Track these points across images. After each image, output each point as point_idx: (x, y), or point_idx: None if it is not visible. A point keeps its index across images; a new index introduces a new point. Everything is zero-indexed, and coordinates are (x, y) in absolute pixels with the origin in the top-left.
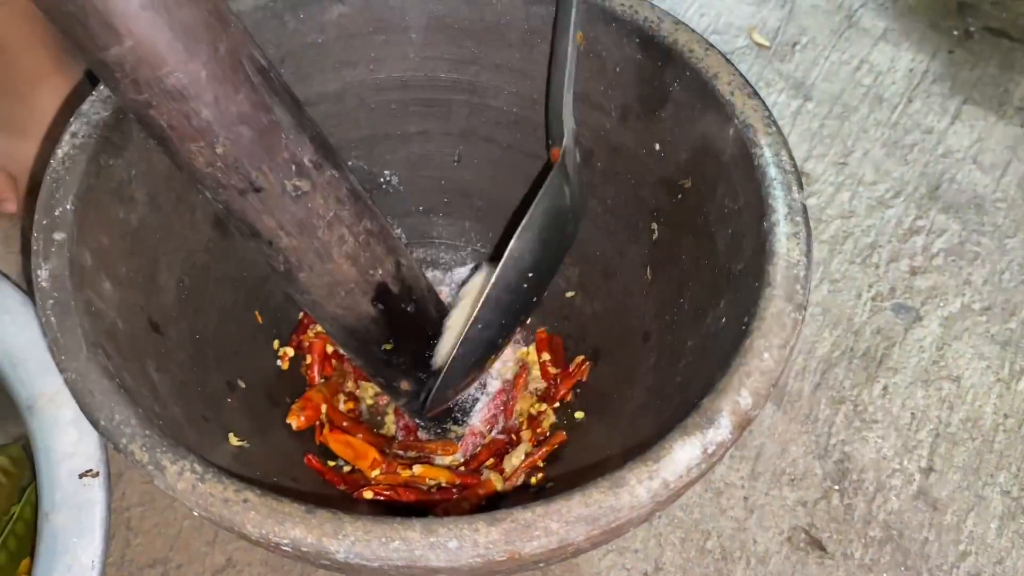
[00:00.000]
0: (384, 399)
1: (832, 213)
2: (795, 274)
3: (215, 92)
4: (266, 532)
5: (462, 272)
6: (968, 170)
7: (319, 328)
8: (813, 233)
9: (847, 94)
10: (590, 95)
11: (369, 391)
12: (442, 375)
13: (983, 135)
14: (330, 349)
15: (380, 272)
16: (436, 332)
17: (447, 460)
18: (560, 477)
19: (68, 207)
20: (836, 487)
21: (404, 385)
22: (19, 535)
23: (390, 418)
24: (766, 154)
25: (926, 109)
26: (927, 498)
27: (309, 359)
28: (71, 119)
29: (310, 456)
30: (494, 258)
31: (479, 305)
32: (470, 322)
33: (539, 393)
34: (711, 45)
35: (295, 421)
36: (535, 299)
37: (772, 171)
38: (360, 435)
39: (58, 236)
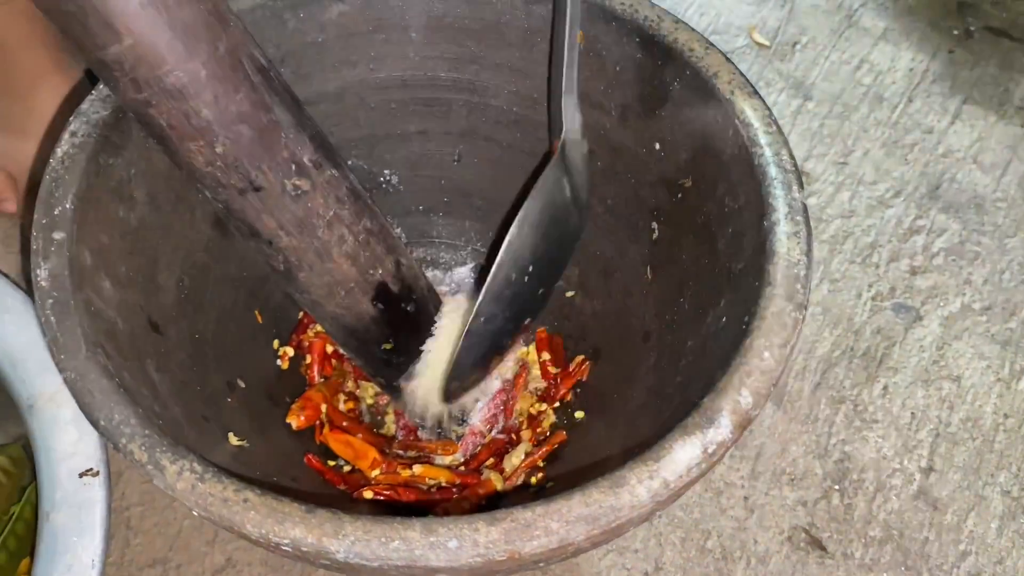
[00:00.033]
0: (384, 399)
1: (832, 212)
2: (795, 273)
3: (215, 91)
4: (266, 532)
5: (462, 272)
6: (968, 170)
7: (319, 328)
8: (813, 232)
9: (847, 94)
10: (590, 94)
11: (369, 391)
12: (451, 366)
13: (983, 135)
14: (330, 349)
15: (380, 271)
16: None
17: (447, 460)
18: (560, 477)
19: (67, 206)
20: (836, 487)
21: (404, 385)
22: (19, 535)
23: (390, 418)
24: (766, 153)
25: (926, 109)
26: (927, 498)
27: (309, 359)
28: (70, 118)
29: (310, 456)
30: (492, 252)
31: (480, 299)
32: (472, 315)
33: (539, 393)
34: (711, 44)
35: (295, 421)
36: (540, 292)
37: (772, 170)
38: (360, 435)
39: (57, 235)
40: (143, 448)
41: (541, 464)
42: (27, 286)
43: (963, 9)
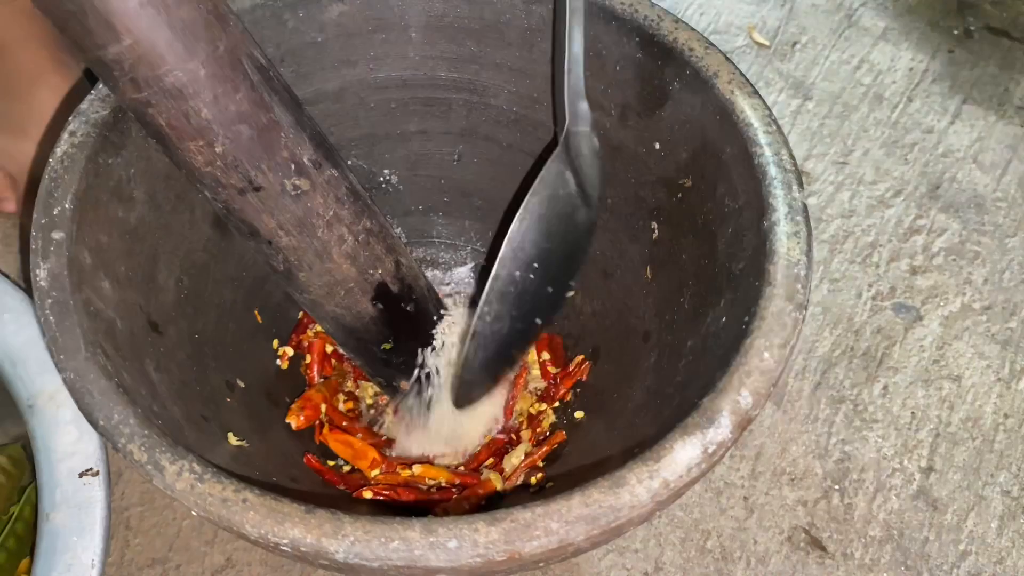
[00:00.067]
0: (384, 399)
1: (832, 212)
2: (795, 273)
3: (214, 91)
4: (265, 532)
5: (462, 272)
6: (968, 169)
7: (319, 327)
8: (813, 232)
9: (847, 93)
10: (590, 94)
11: (369, 391)
12: (459, 369)
13: (983, 134)
14: (330, 349)
15: (380, 271)
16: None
17: (447, 460)
18: (560, 477)
19: (67, 206)
20: (836, 487)
21: (404, 385)
22: (19, 534)
23: (390, 418)
24: (766, 153)
25: (926, 108)
26: (927, 498)
27: (308, 358)
28: (70, 118)
29: (309, 456)
30: (494, 252)
31: (483, 297)
32: (476, 317)
33: (539, 392)
34: (711, 44)
35: (294, 421)
36: (550, 290)
37: (772, 170)
38: (359, 435)
39: (57, 235)
40: (142, 448)
41: (541, 464)
42: (26, 286)
43: (963, 9)
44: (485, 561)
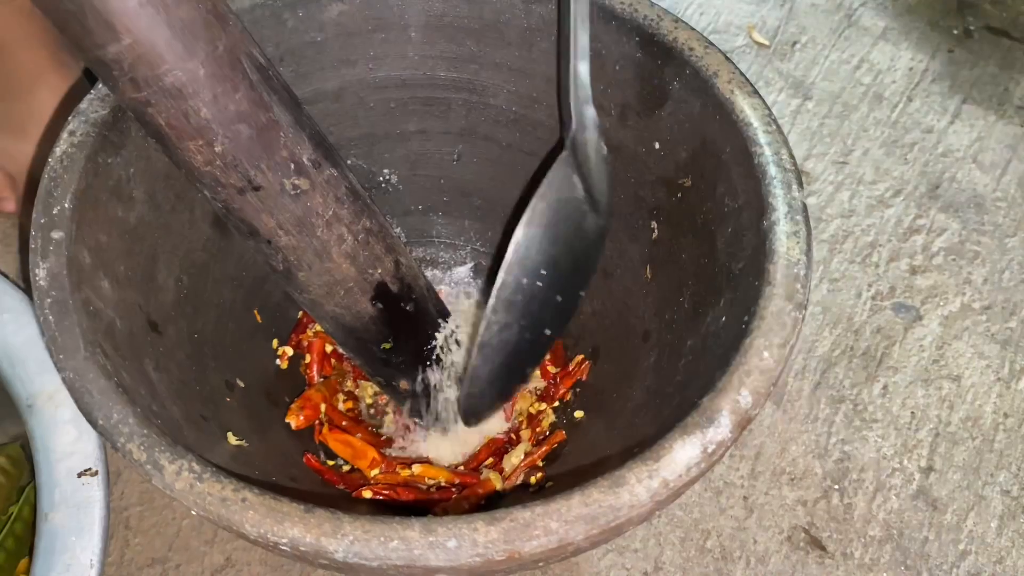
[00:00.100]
0: (384, 398)
1: (832, 212)
2: (795, 273)
3: (214, 90)
4: (264, 531)
5: (461, 271)
6: (968, 169)
7: (318, 327)
8: (813, 232)
9: (847, 93)
10: None
11: (368, 390)
12: (465, 382)
13: (983, 134)
14: (329, 348)
15: (379, 271)
16: (436, 331)
17: (446, 460)
18: (559, 476)
19: (66, 206)
20: (836, 486)
21: (403, 384)
22: (18, 534)
23: (389, 418)
24: (766, 153)
25: (926, 108)
26: (927, 497)
27: (308, 358)
28: (69, 117)
29: (309, 455)
30: (499, 256)
31: (489, 307)
32: (483, 327)
33: (538, 392)
34: (711, 43)
35: (294, 420)
36: (559, 299)
37: (772, 170)
38: (359, 434)
39: (56, 235)
40: (141, 447)
41: (540, 464)
42: (26, 285)
43: (963, 8)
44: (484, 561)
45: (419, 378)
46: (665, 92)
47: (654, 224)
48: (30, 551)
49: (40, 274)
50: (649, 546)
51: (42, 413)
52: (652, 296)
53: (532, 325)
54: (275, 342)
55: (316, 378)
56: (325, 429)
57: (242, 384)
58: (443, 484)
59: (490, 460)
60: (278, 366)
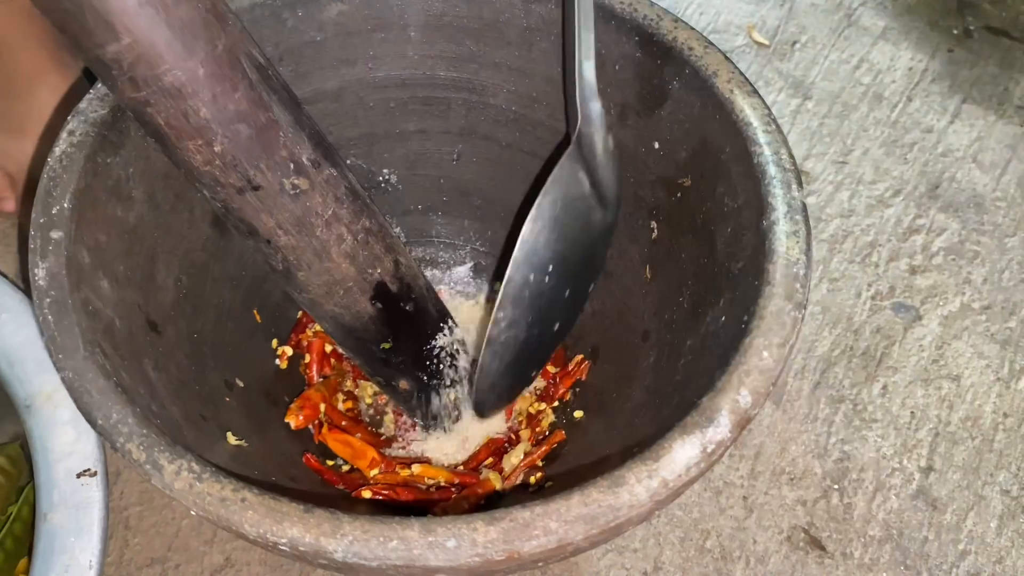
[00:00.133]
0: (383, 398)
1: (832, 212)
2: (795, 273)
3: (213, 90)
4: (264, 531)
5: (461, 271)
6: (968, 169)
7: (318, 327)
8: (812, 232)
9: (847, 93)
10: None
11: (368, 390)
12: (475, 378)
13: (983, 134)
14: (329, 348)
15: (379, 271)
16: (435, 331)
17: (446, 460)
18: (559, 476)
19: (65, 205)
20: (836, 486)
21: (403, 384)
22: (17, 535)
23: (389, 417)
24: (765, 152)
25: (926, 108)
26: (927, 497)
27: (308, 358)
28: (68, 117)
29: (308, 455)
30: (505, 254)
31: (498, 302)
32: (491, 323)
33: (538, 392)
34: (710, 43)
35: (293, 420)
36: (567, 293)
37: (772, 169)
38: (359, 434)
39: (55, 235)
40: (141, 447)
41: (540, 463)
42: (25, 285)
43: (963, 8)
44: (484, 561)
45: (419, 378)
46: (665, 92)
47: (654, 224)
48: (29, 551)
49: (39, 274)
50: (648, 546)
51: (41, 413)
52: (652, 296)
53: (540, 321)
54: (275, 342)
55: (316, 378)
56: (324, 429)
57: (241, 384)
58: (442, 484)
59: (490, 460)
60: (277, 366)
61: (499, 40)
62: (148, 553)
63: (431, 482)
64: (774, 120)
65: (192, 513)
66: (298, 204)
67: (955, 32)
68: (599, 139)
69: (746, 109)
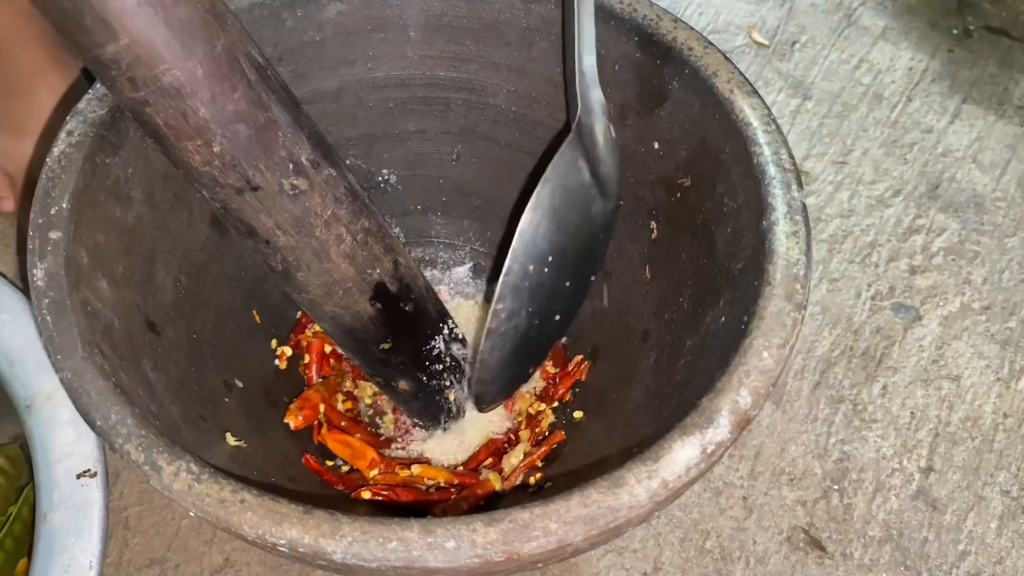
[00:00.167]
0: (383, 398)
1: (831, 212)
2: (795, 273)
3: (212, 90)
4: (263, 532)
5: (460, 271)
6: (968, 169)
7: (317, 327)
8: (812, 232)
9: (846, 93)
10: None
11: (367, 391)
12: (475, 370)
13: (983, 134)
14: (328, 348)
15: (378, 271)
16: (434, 331)
17: (445, 460)
18: (559, 477)
19: (64, 206)
20: (835, 487)
21: (402, 384)
22: (17, 535)
23: (388, 418)
24: (765, 152)
25: (925, 108)
26: (927, 498)
27: (307, 358)
28: (67, 117)
29: (308, 456)
30: (504, 247)
31: (496, 293)
32: (490, 314)
33: (538, 392)
34: (710, 43)
35: (293, 421)
36: (569, 286)
37: (771, 170)
38: (358, 435)
39: (54, 235)
40: (140, 448)
41: (540, 464)
42: (24, 286)
43: (963, 8)
44: (483, 562)
45: (419, 378)
46: (664, 92)
47: (653, 224)
48: (29, 552)
49: (38, 274)
50: (648, 547)
51: (40, 414)
52: (651, 296)
53: (541, 312)
54: (274, 342)
55: (315, 378)
56: (324, 429)
57: (241, 384)
58: (442, 484)
59: (489, 460)
60: (277, 366)
61: (499, 40)
62: (148, 553)
63: (431, 483)
64: (774, 120)
65: (191, 514)
66: (297, 204)
67: (955, 32)
68: (599, 128)
69: (746, 109)
